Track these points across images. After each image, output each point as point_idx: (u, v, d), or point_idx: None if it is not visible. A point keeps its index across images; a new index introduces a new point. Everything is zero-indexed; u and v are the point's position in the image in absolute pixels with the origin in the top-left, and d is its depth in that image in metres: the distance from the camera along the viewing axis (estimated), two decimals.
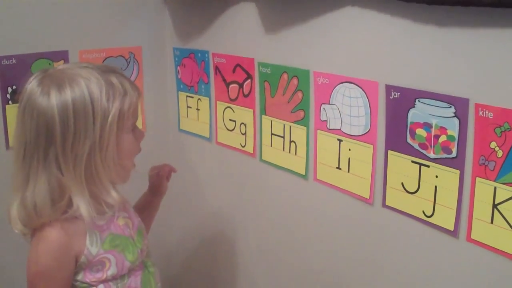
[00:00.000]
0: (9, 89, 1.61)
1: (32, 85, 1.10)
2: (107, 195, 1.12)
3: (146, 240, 1.28)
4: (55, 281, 1.10)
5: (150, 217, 1.45)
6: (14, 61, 1.61)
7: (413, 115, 1.12)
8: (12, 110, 1.61)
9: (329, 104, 1.31)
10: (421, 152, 1.12)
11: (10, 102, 1.61)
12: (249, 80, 1.54)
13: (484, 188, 1.02)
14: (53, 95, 1.06)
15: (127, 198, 1.27)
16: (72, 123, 1.06)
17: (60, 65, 1.18)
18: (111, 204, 1.14)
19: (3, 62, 1.59)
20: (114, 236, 1.18)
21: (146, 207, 1.43)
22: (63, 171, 1.08)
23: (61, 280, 1.11)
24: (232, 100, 1.62)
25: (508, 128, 0.97)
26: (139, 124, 1.82)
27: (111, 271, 1.16)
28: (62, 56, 1.68)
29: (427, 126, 1.10)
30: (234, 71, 1.59)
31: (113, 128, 1.08)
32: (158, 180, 1.42)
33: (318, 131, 1.35)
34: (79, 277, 1.14)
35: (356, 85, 1.23)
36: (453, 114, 1.05)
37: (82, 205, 1.09)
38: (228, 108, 1.65)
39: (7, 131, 1.62)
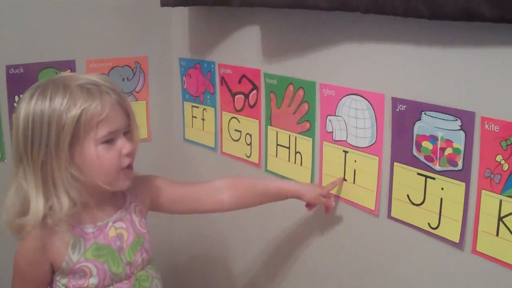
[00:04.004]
0: (16, 98, 1.63)
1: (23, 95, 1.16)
2: (58, 204, 1.12)
3: (143, 254, 1.25)
4: (27, 279, 1.17)
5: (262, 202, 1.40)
6: (21, 70, 1.62)
7: (419, 128, 1.13)
8: None
9: (335, 115, 1.31)
10: (427, 165, 1.13)
11: None
12: (255, 91, 1.55)
13: (489, 201, 1.03)
14: (23, 105, 1.11)
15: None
16: (30, 133, 1.09)
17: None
18: (54, 215, 1.12)
19: (11, 71, 1.61)
20: (99, 246, 1.18)
21: (265, 198, 1.39)
22: (26, 179, 1.12)
23: (33, 279, 1.17)
24: (237, 111, 1.63)
25: None
26: (143, 133, 1.86)
27: (92, 280, 1.17)
28: (69, 65, 1.70)
29: (433, 138, 1.11)
30: (240, 82, 1.60)
31: (67, 139, 1.09)
32: (318, 202, 1.36)
33: (323, 142, 1.36)
34: (64, 281, 1.17)
35: (362, 97, 1.24)
36: (459, 127, 1.05)
37: (32, 210, 1.11)
38: (233, 119, 1.65)
39: None
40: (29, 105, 1.10)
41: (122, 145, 1.14)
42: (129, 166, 1.17)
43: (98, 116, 1.10)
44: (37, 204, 1.11)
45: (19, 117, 1.11)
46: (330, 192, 1.36)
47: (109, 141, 1.13)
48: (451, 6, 0.95)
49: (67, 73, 1.67)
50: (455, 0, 0.94)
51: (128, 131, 1.17)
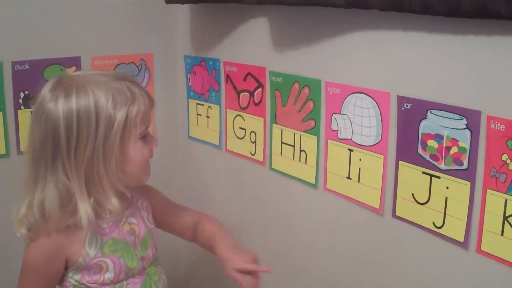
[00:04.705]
0: (22, 94, 1.63)
1: (44, 90, 1.14)
2: (107, 202, 1.14)
3: (153, 249, 1.28)
4: (38, 276, 1.16)
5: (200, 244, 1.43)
6: (27, 66, 1.62)
7: (424, 126, 1.13)
8: (24, 115, 1.62)
9: (340, 114, 1.31)
10: (432, 163, 1.13)
11: (22, 107, 1.63)
12: (260, 89, 1.55)
13: (494, 200, 1.03)
14: (60, 102, 1.10)
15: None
16: (76, 129, 1.09)
17: (75, 71, 1.21)
18: (111, 211, 1.15)
19: (16, 68, 1.61)
20: (115, 241, 1.19)
21: (206, 245, 1.40)
22: (68, 176, 1.11)
23: (46, 276, 1.17)
24: (242, 109, 1.63)
25: None
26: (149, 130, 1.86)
27: (108, 275, 1.18)
28: (75, 62, 1.70)
29: (438, 137, 1.10)
30: (245, 79, 1.60)
31: (118, 135, 1.10)
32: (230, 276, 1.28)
33: (328, 140, 1.36)
34: (77, 277, 1.18)
35: (368, 95, 1.24)
36: (465, 126, 1.05)
37: (82, 211, 1.12)
38: (238, 116, 1.65)
39: (19, 136, 1.63)
40: (69, 102, 1.10)
41: (151, 139, 1.21)
42: None
43: (141, 113, 1.15)
44: (86, 203, 1.12)
45: (58, 115, 1.09)
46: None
47: (144, 136, 1.17)
48: (467, 3, 0.94)
49: (79, 71, 1.67)
50: None
51: None
